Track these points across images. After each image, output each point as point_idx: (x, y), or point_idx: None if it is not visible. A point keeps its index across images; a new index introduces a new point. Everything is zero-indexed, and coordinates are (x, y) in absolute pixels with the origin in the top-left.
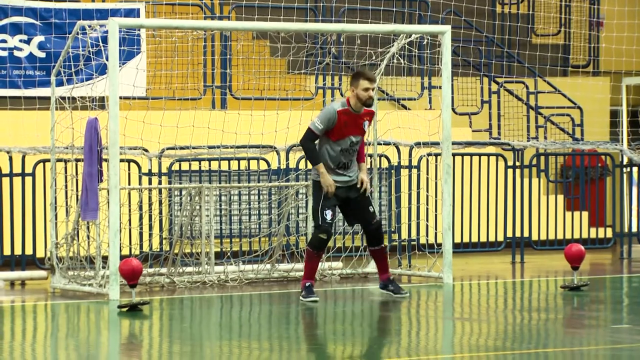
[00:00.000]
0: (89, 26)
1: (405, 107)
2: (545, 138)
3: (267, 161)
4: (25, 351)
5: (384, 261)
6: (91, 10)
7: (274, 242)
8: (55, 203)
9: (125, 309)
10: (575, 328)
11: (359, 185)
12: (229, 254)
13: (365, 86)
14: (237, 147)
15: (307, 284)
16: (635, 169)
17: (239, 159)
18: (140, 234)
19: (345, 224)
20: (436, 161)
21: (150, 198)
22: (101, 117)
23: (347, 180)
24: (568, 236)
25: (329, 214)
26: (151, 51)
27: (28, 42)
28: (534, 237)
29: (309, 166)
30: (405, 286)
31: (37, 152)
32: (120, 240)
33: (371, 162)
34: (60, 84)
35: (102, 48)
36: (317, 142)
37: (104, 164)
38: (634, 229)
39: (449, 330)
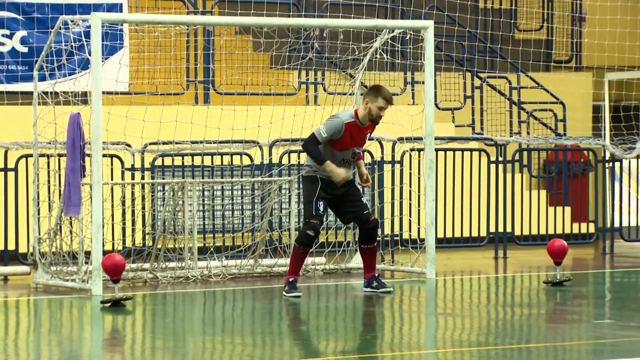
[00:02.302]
0: (72, 21)
1: None
2: (528, 133)
3: (250, 156)
4: (7, 347)
5: (373, 259)
6: (74, 5)
7: (257, 237)
8: (38, 198)
9: (108, 305)
10: (558, 323)
11: (362, 181)
12: (212, 249)
13: (381, 105)
14: (220, 142)
15: (291, 279)
16: (617, 164)
17: (222, 154)
18: (123, 229)
19: (331, 219)
20: (419, 156)
21: (133, 193)
22: (84, 112)
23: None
24: (551, 231)
25: (322, 205)
26: (134, 46)
27: (10, 36)
28: (517, 232)
29: (292, 161)
30: (388, 281)
31: (19, 147)
32: (103, 235)
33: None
34: (42, 78)
35: (85, 43)
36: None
37: (87, 159)
38: (617, 224)
39: (432, 325)
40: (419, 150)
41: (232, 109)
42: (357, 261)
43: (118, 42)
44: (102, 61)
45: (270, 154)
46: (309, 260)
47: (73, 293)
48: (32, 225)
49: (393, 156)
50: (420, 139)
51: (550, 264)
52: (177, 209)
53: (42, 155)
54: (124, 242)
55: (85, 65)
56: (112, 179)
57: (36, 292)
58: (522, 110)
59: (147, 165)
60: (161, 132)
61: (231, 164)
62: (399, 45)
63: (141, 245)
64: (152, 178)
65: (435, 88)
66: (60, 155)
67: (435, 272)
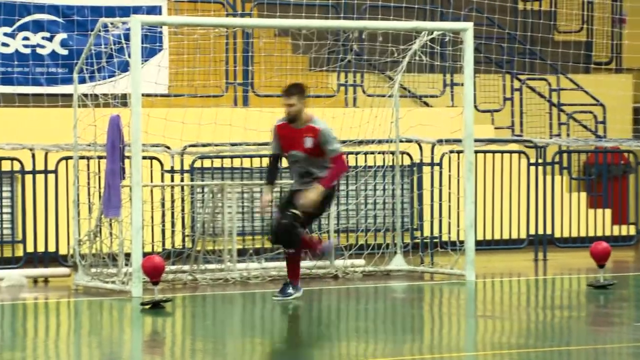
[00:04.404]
0: (111, 23)
1: (427, 105)
2: (568, 135)
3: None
4: (48, 348)
5: None
6: (113, 7)
7: None
8: (78, 200)
9: (147, 307)
10: (598, 326)
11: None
12: (251, 251)
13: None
14: (259, 144)
15: None
16: None
17: (261, 156)
18: (163, 231)
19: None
20: (458, 158)
21: (172, 195)
22: (123, 115)
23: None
24: (591, 234)
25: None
26: (173, 48)
27: (50, 39)
28: (557, 234)
29: None
30: (428, 284)
31: (60, 149)
32: (143, 237)
33: (393, 159)
34: (82, 81)
35: (124, 45)
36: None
37: (127, 161)
38: None
39: (472, 328)
40: (458, 152)
41: (271, 111)
42: (396, 263)
43: (157, 44)
44: (142, 63)
45: None
46: (348, 262)
47: (113, 295)
48: (72, 227)
49: (432, 158)
50: (460, 141)
51: (590, 266)
52: (216, 211)
53: (82, 158)
54: (163, 244)
55: (124, 67)
56: (151, 181)
57: (76, 294)
58: (561, 112)
59: (186, 167)
60: (200, 134)
61: None
62: (438, 47)
63: (181, 247)
64: (192, 180)
65: (474, 90)
66: (100, 158)
67: (475, 275)
